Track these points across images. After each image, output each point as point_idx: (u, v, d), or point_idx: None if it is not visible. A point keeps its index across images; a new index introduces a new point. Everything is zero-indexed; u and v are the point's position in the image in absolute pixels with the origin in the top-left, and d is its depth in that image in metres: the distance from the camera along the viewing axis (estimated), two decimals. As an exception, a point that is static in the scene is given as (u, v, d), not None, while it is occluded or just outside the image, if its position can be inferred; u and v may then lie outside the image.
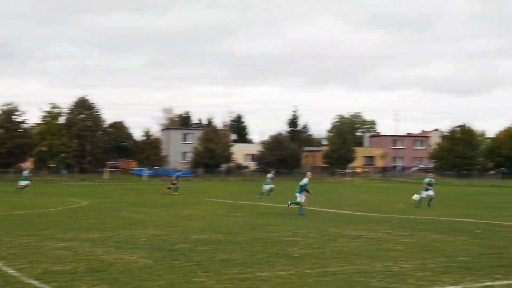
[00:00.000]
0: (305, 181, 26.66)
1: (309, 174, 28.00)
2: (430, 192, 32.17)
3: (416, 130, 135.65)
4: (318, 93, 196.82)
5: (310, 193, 27.24)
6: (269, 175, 42.63)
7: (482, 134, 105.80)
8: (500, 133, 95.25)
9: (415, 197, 31.71)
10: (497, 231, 20.09)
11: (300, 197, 26.53)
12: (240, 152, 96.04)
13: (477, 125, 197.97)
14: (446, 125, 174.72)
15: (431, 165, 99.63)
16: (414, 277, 11.72)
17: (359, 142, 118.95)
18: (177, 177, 46.37)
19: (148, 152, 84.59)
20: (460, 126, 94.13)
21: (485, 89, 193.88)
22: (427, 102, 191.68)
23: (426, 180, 32.99)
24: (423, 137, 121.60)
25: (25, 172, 44.15)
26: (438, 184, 62.67)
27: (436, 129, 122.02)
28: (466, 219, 24.39)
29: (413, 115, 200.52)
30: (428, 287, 10.86)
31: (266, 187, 41.27)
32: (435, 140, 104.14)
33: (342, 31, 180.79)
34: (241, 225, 21.65)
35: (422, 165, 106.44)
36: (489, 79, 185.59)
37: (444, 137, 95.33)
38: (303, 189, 26.60)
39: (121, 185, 62.00)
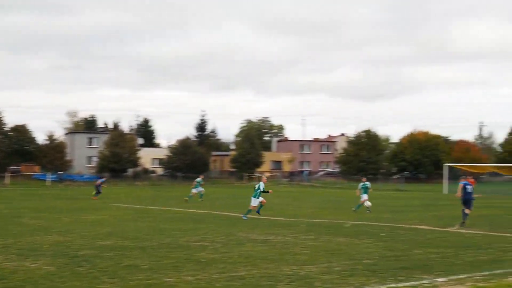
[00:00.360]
0: (261, 185, 27.33)
1: (264, 178, 28.99)
2: (365, 197, 32.68)
3: (322, 135, 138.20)
4: (226, 98, 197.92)
5: (270, 192, 28.34)
6: (198, 179, 42.79)
7: (387, 139, 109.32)
8: (404, 138, 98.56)
9: (367, 204, 31.90)
10: (400, 234, 20.72)
11: (254, 201, 27.17)
12: (147, 157, 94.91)
13: (382, 131, 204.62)
14: (352, 130, 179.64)
15: (337, 170, 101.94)
16: (321, 280, 11.92)
17: (267, 147, 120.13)
18: (102, 182, 46.31)
19: (51, 156, 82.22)
20: (365, 131, 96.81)
21: (390, 95, 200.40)
22: (333, 107, 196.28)
23: (361, 184, 33.42)
24: (329, 142, 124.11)
25: None
26: (344, 188, 64.01)
27: (342, 134, 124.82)
28: (370, 223, 25.03)
29: (320, 120, 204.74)
30: (334, 290, 11.08)
31: (195, 190, 41.31)
32: (341, 145, 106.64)
33: (249, 36, 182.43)
34: (148, 230, 21.41)
35: (329, 170, 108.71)
36: (394, 85, 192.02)
37: (350, 142, 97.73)
38: (259, 193, 27.19)
39: (24, 190, 60.03)
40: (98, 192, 44.44)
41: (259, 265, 13.73)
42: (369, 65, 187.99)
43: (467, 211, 24.44)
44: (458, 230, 21.92)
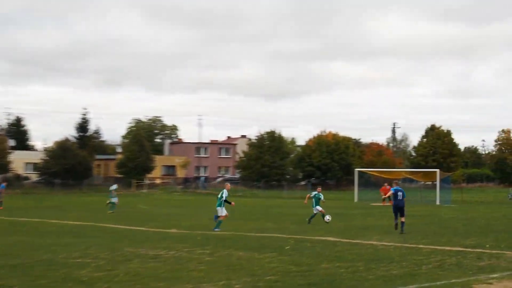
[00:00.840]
0: (225, 193, 27.36)
1: (228, 185, 29.08)
2: (319, 208, 32.77)
3: (221, 137, 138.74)
4: (112, 94, 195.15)
5: (232, 203, 28.19)
6: (114, 186, 43.18)
7: (292, 142, 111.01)
8: (311, 140, 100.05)
9: (327, 218, 31.73)
10: (306, 247, 21.01)
11: (221, 211, 27.26)
12: (19, 161, 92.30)
13: (287, 132, 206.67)
14: (253, 132, 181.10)
15: (237, 175, 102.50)
16: (218, 300, 11.96)
17: (158, 150, 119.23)
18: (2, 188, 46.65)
19: None
20: (268, 133, 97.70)
21: (296, 94, 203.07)
22: (234, 107, 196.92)
23: (314, 193, 33.76)
24: (229, 144, 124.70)
25: None
26: (245, 196, 64.46)
27: (243, 136, 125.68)
28: (274, 234, 25.27)
29: (218, 121, 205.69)
30: (233, 310, 11.12)
31: (115, 200, 41.70)
32: (242, 148, 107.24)
33: (140, 25, 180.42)
34: (21, 245, 20.81)
35: (228, 176, 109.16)
36: (301, 83, 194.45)
37: (251, 144, 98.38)
38: (223, 202, 27.25)
39: None
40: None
41: (149, 284, 13.61)
42: (273, 61, 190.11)
43: (402, 219, 25.87)
44: (381, 243, 22.49)
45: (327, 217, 31.66)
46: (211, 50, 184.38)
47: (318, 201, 32.68)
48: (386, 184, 56.57)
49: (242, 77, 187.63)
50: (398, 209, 26.14)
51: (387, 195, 45.00)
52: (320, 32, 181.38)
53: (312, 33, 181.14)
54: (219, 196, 27.73)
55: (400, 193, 26.33)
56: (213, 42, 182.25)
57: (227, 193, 27.71)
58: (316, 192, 33.49)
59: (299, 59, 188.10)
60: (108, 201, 42.19)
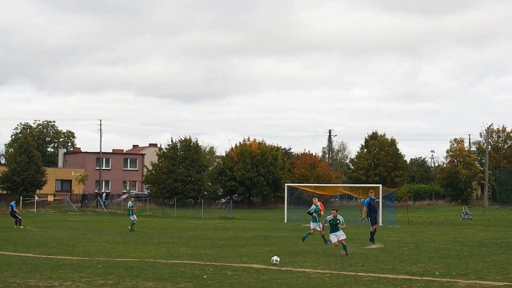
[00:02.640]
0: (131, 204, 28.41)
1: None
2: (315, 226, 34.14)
3: (127, 146, 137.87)
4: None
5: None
6: (131, 204, 47.90)
7: (211, 152, 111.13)
8: (232, 151, 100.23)
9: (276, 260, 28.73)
10: (227, 275, 21.06)
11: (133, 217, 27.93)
12: None
13: (205, 140, 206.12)
14: (165, 140, 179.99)
15: (146, 191, 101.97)
16: None
17: (51, 161, 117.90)
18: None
19: None
20: (182, 141, 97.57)
21: (217, 95, 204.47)
22: (142, 110, 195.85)
23: (312, 207, 34.95)
24: (136, 154, 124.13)
25: None
26: (155, 216, 64.18)
27: (153, 145, 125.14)
28: (190, 261, 25.25)
29: (123, 126, 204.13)
30: None
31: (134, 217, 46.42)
32: (151, 158, 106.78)
33: (30, 13, 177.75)
34: None
35: (135, 192, 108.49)
36: (222, 82, 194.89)
37: (163, 155, 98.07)
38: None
39: None
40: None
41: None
42: (188, 56, 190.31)
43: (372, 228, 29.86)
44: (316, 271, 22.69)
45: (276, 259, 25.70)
46: (115, 43, 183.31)
47: (315, 218, 33.97)
48: (315, 198, 56.94)
49: (151, 75, 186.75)
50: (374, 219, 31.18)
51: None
52: (243, 23, 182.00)
53: (233, 24, 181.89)
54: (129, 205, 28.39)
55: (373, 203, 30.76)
56: (117, 34, 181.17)
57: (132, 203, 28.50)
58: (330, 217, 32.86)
59: (218, 54, 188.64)
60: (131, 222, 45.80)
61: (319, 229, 32.78)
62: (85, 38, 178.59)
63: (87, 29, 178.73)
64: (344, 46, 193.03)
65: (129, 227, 45.55)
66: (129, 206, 47.80)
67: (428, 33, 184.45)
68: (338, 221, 27.24)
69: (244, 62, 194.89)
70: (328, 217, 27.81)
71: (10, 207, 52.79)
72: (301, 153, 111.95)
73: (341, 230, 27.32)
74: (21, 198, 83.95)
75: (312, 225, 33.81)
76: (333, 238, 27.44)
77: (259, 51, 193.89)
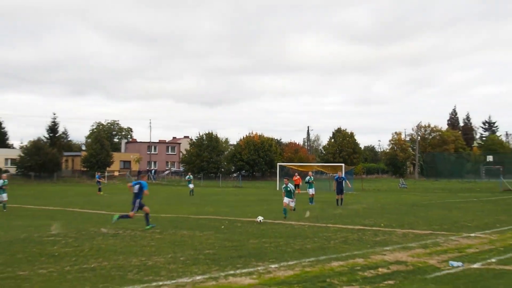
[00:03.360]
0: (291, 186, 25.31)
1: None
2: (311, 191, 33.99)
3: (168, 137, 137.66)
4: (77, 102, 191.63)
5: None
6: (189, 176, 49.10)
7: (226, 141, 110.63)
8: (241, 140, 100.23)
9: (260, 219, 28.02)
10: (238, 226, 21.13)
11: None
12: (0, 157, 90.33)
13: (222, 133, 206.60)
14: (194, 133, 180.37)
15: (182, 169, 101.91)
16: (166, 269, 11.94)
17: (116, 148, 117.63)
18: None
19: None
20: (206, 134, 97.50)
21: (230, 102, 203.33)
22: (178, 112, 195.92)
23: (307, 178, 34.77)
24: (174, 143, 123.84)
25: None
26: (187, 186, 64.00)
27: (186, 137, 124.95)
28: (212, 216, 25.31)
29: (166, 124, 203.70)
30: (178, 278, 11.10)
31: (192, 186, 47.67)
32: (185, 146, 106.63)
33: (101, 44, 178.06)
34: (1, 227, 20.27)
35: (174, 169, 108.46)
36: (234, 93, 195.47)
37: (193, 143, 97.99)
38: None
39: None
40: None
41: (109, 257, 13.50)
42: (211, 74, 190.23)
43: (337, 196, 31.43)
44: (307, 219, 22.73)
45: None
46: (160, 65, 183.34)
47: (290, 193, 29.22)
48: (296, 174, 57.07)
49: (185, 88, 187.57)
50: (340, 191, 31.55)
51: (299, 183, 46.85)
52: (250, 51, 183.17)
53: (243, 51, 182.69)
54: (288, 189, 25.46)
55: (340, 179, 31.69)
56: (160, 58, 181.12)
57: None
58: (308, 177, 34.34)
59: (232, 73, 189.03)
60: (190, 189, 46.76)
61: (292, 205, 29.28)
62: (138, 61, 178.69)
63: (140, 55, 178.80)
64: (319, 67, 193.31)
65: (190, 192, 46.43)
66: (188, 178, 49.13)
67: (378, 57, 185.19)
68: (289, 188, 25.06)
69: (250, 78, 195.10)
70: (283, 186, 25.72)
71: (96, 178, 53.13)
72: (288, 142, 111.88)
73: (293, 197, 25.24)
74: (97, 173, 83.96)
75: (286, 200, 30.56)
76: (286, 200, 24.97)
77: (260, 71, 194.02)
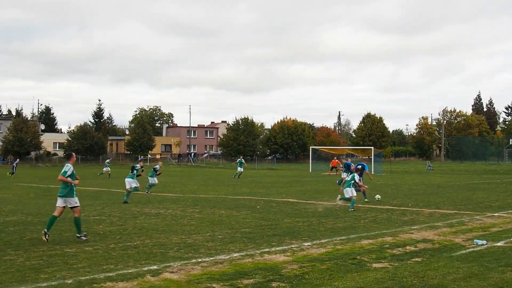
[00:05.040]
0: (157, 166, 27.77)
1: (160, 163, 29.20)
2: (356, 177, 28.63)
3: (207, 122, 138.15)
4: (122, 89, 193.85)
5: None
6: (240, 159, 48.03)
7: (262, 126, 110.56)
8: (275, 125, 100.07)
9: (378, 197, 24.39)
10: (272, 206, 21.10)
11: (152, 180, 27.59)
12: (49, 141, 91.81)
13: (258, 118, 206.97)
14: (231, 118, 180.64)
15: (219, 152, 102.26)
16: (205, 247, 11.96)
17: (158, 132, 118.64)
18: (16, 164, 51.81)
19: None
20: (243, 119, 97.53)
21: (266, 89, 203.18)
22: (217, 99, 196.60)
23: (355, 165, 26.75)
24: (212, 128, 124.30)
25: None
26: (225, 168, 64.02)
27: (224, 121, 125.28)
28: (248, 197, 25.35)
29: (204, 109, 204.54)
30: (216, 255, 11.10)
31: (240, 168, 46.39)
32: (222, 131, 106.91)
33: (145, 35, 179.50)
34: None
35: (212, 152, 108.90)
36: (269, 80, 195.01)
37: (230, 128, 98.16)
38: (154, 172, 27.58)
39: None
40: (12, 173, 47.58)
41: (152, 235, 13.58)
42: (248, 63, 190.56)
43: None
44: (337, 203, 22.62)
45: (378, 196, 23.89)
46: (200, 55, 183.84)
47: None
48: (335, 157, 57.14)
49: (223, 76, 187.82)
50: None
51: (335, 166, 45.94)
52: (284, 41, 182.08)
53: (278, 42, 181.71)
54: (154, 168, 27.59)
55: (359, 166, 24.63)
56: (200, 49, 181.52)
57: (159, 167, 27.86)
58: (358, 164, 26.49)
59: (267, 62, 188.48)
60: (238, 172, 45.89)
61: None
62: (180, 52, 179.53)
63: (182, 46, 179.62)
64: (349, 56, 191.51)
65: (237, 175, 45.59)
66: (238, 161, 47.89)
67: (405, 46, 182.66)
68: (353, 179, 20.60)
69: (284, 67, 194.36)
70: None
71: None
72: (320, 127, 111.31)
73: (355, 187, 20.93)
74: (139, 156, 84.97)
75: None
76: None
77: (294, 60, 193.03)
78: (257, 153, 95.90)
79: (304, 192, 28.37)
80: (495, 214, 18.20)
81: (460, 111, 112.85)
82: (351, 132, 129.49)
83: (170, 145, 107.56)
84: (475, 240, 12.75)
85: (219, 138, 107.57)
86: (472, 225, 15.67)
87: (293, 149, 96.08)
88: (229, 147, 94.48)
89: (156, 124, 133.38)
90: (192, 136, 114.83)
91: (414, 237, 13.37)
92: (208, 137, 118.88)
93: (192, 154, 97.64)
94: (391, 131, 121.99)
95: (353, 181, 20.35)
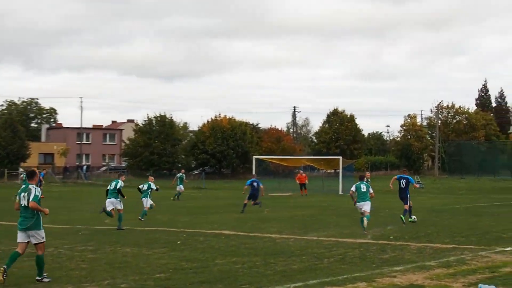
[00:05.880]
0: (152, 185, 30.65)
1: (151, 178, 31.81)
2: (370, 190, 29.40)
3: (106, 122, 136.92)
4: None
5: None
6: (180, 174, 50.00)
7: (185, 127, 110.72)
8: (204, 126, 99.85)
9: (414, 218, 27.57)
10: (199, 241, 21.05)
11: (147, 202, 30.29)
12: None
13: (180, 116, 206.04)
14: (142, 116, 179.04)
15: (124, 164, 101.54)
16: (102, 301, 11.85)
17: (34, 136, 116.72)
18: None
19: None
20: (158, 117, 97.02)
21: (194, 74, 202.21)
22: (123, 88, 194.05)
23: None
24: (114, 129, 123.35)
25: None
26: (132, 187, 63.84)
27: (131, 120, 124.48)
28: (165, 228, 25.20)
29: (103, 103, 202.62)
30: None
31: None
32: (128, 133, 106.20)
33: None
34: None
35: (113, 164, 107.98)
36: (198, 63, 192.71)
37: (139, 130, 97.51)
38: (150, 193, 30.59)
39: None
40: None
41: (24, 286, 13.33)
42: (170, 38, 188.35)
43: (406, 206, 27.04)
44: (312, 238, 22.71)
45: (414, 218, 27.65)
46: (100, 26, 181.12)
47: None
48: (301, 171, 57.81)
49: (134, 56, 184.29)
50: (402, 199, 27.57)
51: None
52: (222, 8, 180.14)
53: (213, 8, 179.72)
54: (145, 187, 30.55)
55: (403, 181, 27.64)
56: (102, 17, 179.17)
57: (153, 184, 30.87)
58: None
59: (198, 36, 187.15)
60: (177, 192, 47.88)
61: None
62: (72, 21, 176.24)
63: (74, 12, 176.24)
64: (313, 30, 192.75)
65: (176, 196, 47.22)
66: (178, 177, 49.83)
67: (391, 17, 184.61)
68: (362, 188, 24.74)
69: (221, 43, 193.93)
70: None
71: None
72: (268, 128, 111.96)
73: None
74: (6, 171, 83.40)
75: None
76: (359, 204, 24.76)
77: (235, 34, 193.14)
78: (178, 166, 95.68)
79: (245, 221, 28.44)
80: (507, 249, 18.70)
81: (460, 107, 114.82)
82: (311, 135, 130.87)
83: (52, 154, 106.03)
84: (480, 285, 13.04)
85: (123, 144, 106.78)
86: (476, 264, 16.05)
87: (229, 160, 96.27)
88: (138, 156, 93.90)
89: (32, 125, 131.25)
90: (84, 142, 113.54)
91: (397, 282, 13.59)
92: (107, 142, 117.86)
93: (84, 167, 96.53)
94: (366, 135, 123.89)
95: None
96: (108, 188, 26.73)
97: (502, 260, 16.73)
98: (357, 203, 24.66)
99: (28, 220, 13.83)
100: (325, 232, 23.41)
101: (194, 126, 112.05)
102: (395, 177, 28.55)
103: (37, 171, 14.65)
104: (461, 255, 17.48)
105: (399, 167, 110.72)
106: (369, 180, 32.84)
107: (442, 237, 21.82)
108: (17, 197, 14.40)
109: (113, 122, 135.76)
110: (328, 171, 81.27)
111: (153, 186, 30.85)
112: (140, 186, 31.18)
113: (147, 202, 30.40)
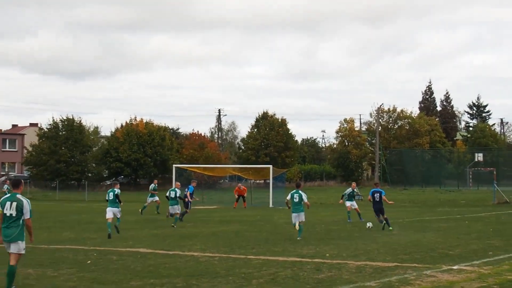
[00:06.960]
0: (117, 191, 31.11)
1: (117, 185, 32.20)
2: (354, 204, 39.44)
3: (5, 126, 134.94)
4: None
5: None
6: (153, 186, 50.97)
7: (96, 132, 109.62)
8: (118, 131, 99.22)
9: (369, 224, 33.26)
10: (112, 260, 20.85)
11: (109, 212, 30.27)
12: None
13: (90, 120, 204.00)
14: (47, 120, 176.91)
15: (27, 174, 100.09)
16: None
17: None
18: None
19: None
20: (65, 120, 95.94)
21: (106, 73, 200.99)
22: (24, 87, 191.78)
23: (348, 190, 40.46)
24: (15, 134, 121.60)
25: None
26: (36, 199, 63.03)
27: (34, 124, 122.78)
28: (72, 246, 24.90)
29: (4, 105, 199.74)
30: None
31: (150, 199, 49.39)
32: (31, 139, 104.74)
33: None
34: None
35: (13, 174, 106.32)
36: (110, 60, 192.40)
37: (44, 135, 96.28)
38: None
39: None
40: None
41: None
42: (78, 31, 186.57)
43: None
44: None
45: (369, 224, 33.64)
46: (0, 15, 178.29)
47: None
48: (240, 184, 58.44)
49: (38, 51, 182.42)
50: (378, 210, 32.25)
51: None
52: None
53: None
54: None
55: (377, 195, 32.12)
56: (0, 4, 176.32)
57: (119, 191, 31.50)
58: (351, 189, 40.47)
59: (111, 30, 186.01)
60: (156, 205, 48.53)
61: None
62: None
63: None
64: (242, 23, 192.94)
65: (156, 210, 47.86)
66: (151, 188, 51.34)
67: (328, 10, 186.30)
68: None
69: (136, 38, 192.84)
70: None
71: None
72: (190, 133, 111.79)
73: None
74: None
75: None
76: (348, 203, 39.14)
77: (152, 28, 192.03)
78: (88, 175, 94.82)
79: (164, 238, 28.32)
80: (454, 267, 18.97)
81: (402, 111, 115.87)
82: (238, 141, 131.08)
83: None
84: (424, 308, 13.22)
85: (25, 151, 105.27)
86: (421, 284, 16.25)
87: (146, 169, 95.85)
88: (42, 165, 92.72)
89: None
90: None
91: (333, 305, 13.68)
92: (7, 149, 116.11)
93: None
94: (299, 141, 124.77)
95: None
96: (107, 198, 30.71)
97: (449, 279, 16.97)
98: (292, 214, 27.66)
99: (13, 229, 14.84)
100: (253, 249, 23.42)
101: (106, 130, 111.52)
102: (369, 193, 32.95)
103: (22, 181, 15.08)
104: (404, 275, 17.67)
105: (335, 177, 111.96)
106: (355, 191, 41.40)
107: (383, 254, 22.03)
108: None
109: (14, 126, 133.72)
110: (257, 181, 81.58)
111: (178, 192, 36.19)
112: (167, 194, 36.70)
113: (176, 208, 35.74)
